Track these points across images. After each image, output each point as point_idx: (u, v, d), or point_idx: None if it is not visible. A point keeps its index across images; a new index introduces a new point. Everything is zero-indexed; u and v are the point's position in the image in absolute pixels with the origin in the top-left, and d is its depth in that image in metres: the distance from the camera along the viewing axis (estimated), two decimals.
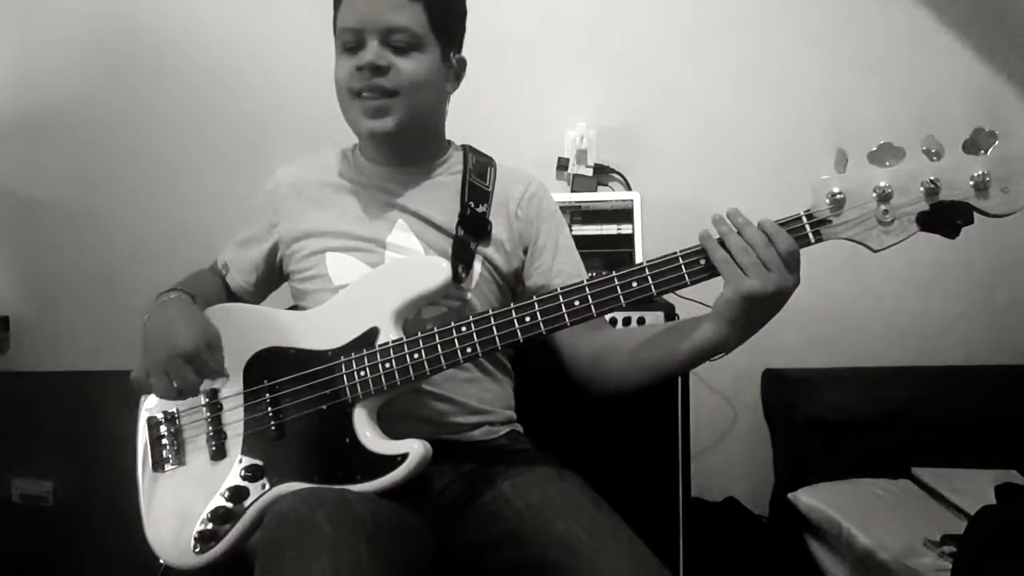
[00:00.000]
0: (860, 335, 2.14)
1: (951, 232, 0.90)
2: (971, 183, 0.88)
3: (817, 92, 2.08)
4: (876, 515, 1.69)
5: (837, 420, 2.00)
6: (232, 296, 1.30)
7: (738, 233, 0.93)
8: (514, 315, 1.01)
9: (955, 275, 2.12)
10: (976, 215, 0.89)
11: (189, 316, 1.08)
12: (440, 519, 1.08)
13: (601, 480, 1.10)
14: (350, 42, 1.12)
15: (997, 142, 0.87)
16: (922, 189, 0.89)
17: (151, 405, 1.16)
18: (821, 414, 2.01)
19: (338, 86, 1.16)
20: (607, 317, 1.19)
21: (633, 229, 1.87)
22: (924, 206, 0.90)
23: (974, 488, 1.66)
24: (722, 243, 0.93)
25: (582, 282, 0.99)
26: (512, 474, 1.10)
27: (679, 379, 1.50)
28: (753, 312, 0.94)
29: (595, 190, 2.05)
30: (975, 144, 0.88)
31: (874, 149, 0.91)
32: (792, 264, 0.92)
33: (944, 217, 0.89)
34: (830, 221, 0.92)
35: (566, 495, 1.05)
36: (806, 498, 1.84)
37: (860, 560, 1.62)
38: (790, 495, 1.90)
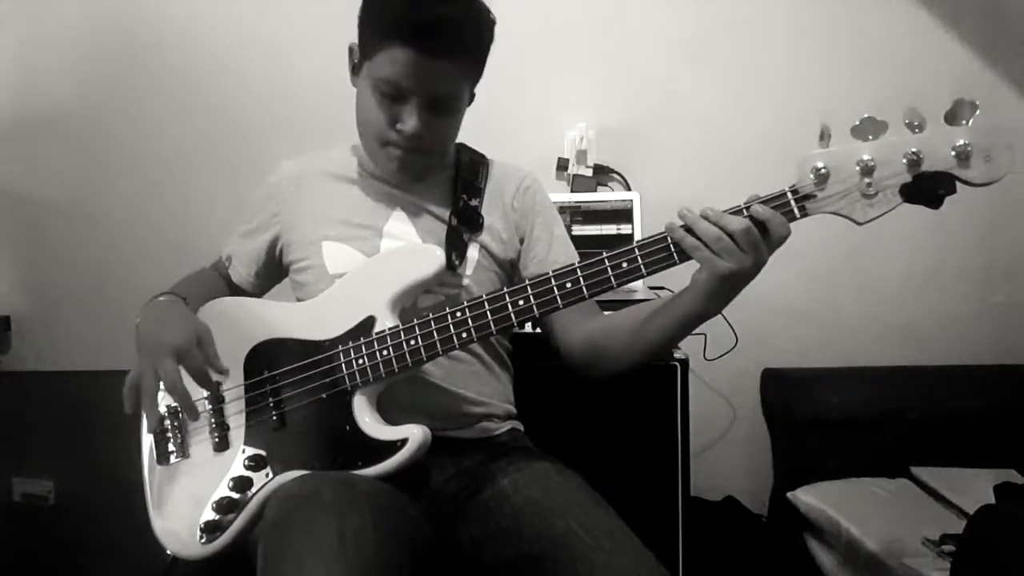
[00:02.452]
0: (859, 335, 2.14)
1: (935, 203, 0.91)
2: (953, 153, 0.88)
3: (816, 92, 2.08)
4: (875, 514, 1.69)
5: (836, 419, 2.00)
6: (235, 290, 1.31)
7: (713, 222, 0.94)
8: (508, 299, 1.02)
9: (954, 275, 2.12)
10: (960, 185, 0.90)
11: (178, 315, 1.10)
12: (439, 514, 1.08)
13: (601, 479, 1.10)
14: (389, 92, 1.10)
15: (978, 112, 0.88)
16: (904, 161, 0.90)
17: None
18: (820, 413, 2.02)
19: (366, 125, 1.15)
20: None
21: (633, 229, 1.87)
22: (907, 177, 0.90)
23: (973, 487, 1.67)
24: (690, 231, 0.95)
25: (573, 264, 1.01)
26: (511, 471, 1.11)
27: (678, 378, 1.50)
28: (732, 286, 0.96)
29: (595, 190, 2.05)
30: (956, 115, 0.89)
31: (857, 123, 0.92)
32: (776, 244, 0.94)
33: (927, 188, 0.90)
34: (815, 196, 0.93)
35: (565, 493, 1.06)
36: (805, 497, 1.84)
37: (859, 559, 1.62)
38: (789, 494, 1.91)
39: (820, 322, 2.13)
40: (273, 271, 1.31)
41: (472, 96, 1.19)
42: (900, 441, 1.96)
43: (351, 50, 1.17)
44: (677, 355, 1.49)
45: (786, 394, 2.07)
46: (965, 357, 2.11)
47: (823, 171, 0.92)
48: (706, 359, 1.80)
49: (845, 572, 1.71)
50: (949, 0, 2.08)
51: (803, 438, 2.02)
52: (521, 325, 1.03)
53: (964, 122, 0.89)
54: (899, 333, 2.13)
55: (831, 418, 2.00)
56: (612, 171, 2.09)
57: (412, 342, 1.04)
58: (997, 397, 2.00)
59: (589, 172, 2.05)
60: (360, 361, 1.05)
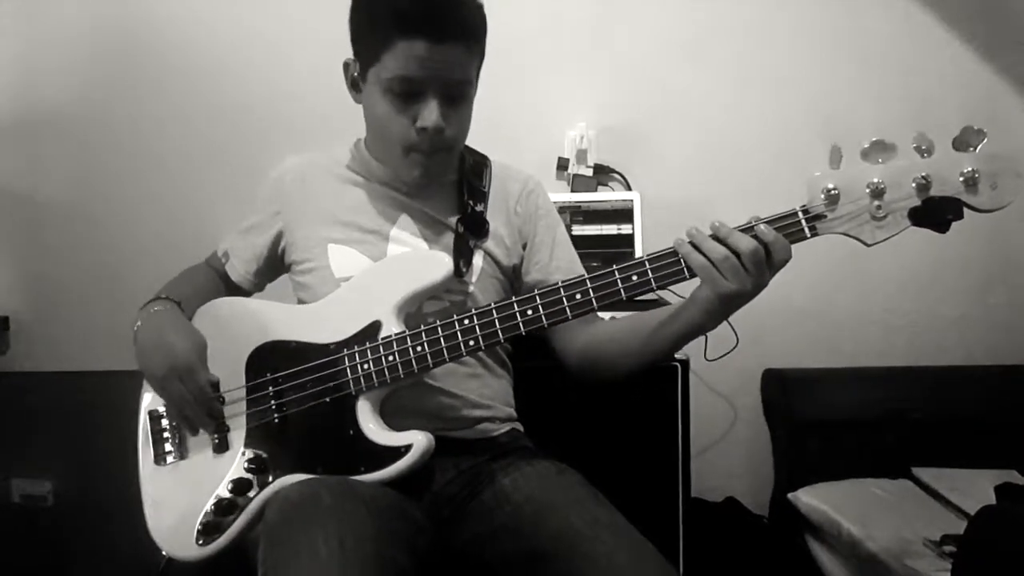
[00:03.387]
0: (860, 335, 2.14)
1: (942, 227, 0.93)
2: (961, 179, 0.90)
3: (817, 92, 2.08)
4: (876, 515, 1.69)
5: (837, 420, 2.00)
6: (230, 286, 1.30)
7: (722, 240, 0.94)
8: (516, 308, 1.02)
9: (954, 275, 2.12)
10: (966, 210, 0.92)
11: (178, 329, 1.10)
12: (441, 515, 1.08)
13: (601, 480, 1.10)
14: (404, 90, 1.08)
15: (986, 139, 0.90)
16: (914, 185, 0.91)
17: (152, 399, 1.16)
18: (821, 414, 2.01)
19: (386, 134, 1.12)
20: None
21: (633, 229, 1.87)
22: (916, 201, 0.92)
23: (974, 488, 1.67)
24: (697, 248, 0.95)
25: (583, 276, 1.01)
26: (512, 471, 1.11)
27: (679, 378, 1.50)
28: (730, 305, 0.97)
29: (595, 190, 2.05)
30: (964, 141, 0.91)
31: (866, 146, 0.93)
32: (778, 267, 0.94)
33: (935, 212, 0.92)
34: (825, 216, 0.94)
35: (565, 490, 1.06)
36: (806, 498, 1.84)
37: (860, 560, 1.62)
38: (790, 495, 1.90)
39: (821, 323, 2.13)
40: (274, 268, 1.30)
41: (476, 88, 1.17)
42: (901, 442, 1.96)
43: (347, 66, 1.16)
44: (678, 355, 1.49)
45: (787, 395, 2.07)
46: (966, 358, 2.12)
47: (834, 192, 0.94)
48: (707, 359, 1.79)
49: (846, 573, 1.71)
50: (949, 0, 2.07)
51: (804, 439, 2.01)
52: (529, 334, 1.03)
53: (972, 148, 0.90)
54: (900, 334, 2.13)
55: (832, 419, 2.00)
56: (612, 171, 2.08)
57: (419, 348, 1.03)
58: (998, 398, 2.00)
59: (589, 172, 2.05)
60: (365, 366, 1.05)
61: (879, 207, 0.92)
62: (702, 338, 1.76)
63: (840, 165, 0.94)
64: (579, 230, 1.86)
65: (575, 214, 1.87)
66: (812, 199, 0.94)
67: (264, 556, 0.87)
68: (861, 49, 2.09)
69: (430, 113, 1.08)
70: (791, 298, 2.08)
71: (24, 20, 2.12)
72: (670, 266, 0.98)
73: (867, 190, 0.93)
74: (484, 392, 1.19)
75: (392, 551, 0.87)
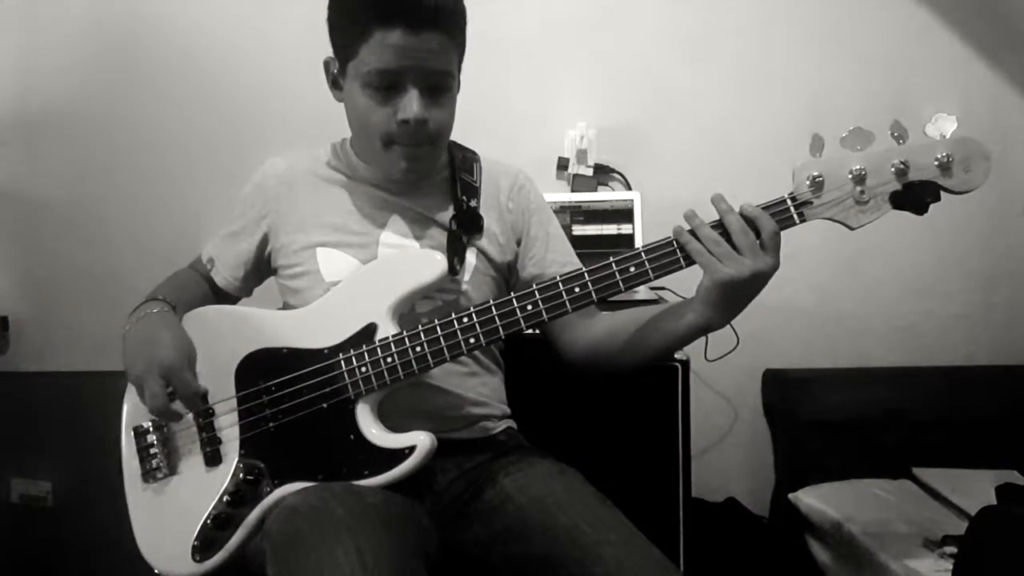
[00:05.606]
0: (860, 335, 2.13)
1: (921, 209, 0.97)
2: (936, 163, 0.95)
3: (817, 92, 2.07)
4: (877, 515, 1.68)
5: (838, 420, 2.00)
6: (217, 292, 1.28)
7: (713, 224, 0.97)
8: (515, 304, 1.03)
9: (955, 276, 2.12)
10: (942, 193, 0.96)
11: (170, 328, 1.08)
12: (444, 516, 1.08)
13: (601, 480, 1.10)
14: (383, 83, 1.06)
15: (956, 126, 0.94)
16: (893, 170, 0.96)
17: (134, 414, 1.14)
18: (822, 414, 2.01)
19: (366, 129, 1.11)
20: None
21: (633, 229, 1.87)
22: (896, 186, 0.97)
23: (975, 488, 1.66)
24: (695, 235, 0.98)
25: (581, 269, 1.02)
26: (513, 471, 1.11)
27: (679, 378, 1.50)
28: (733, 296, 0.98)
29: (595, 190, 2.04)
30: (937, 127, 0.95)
31: (845, 135, 0.97)
32: (770, 247, 0.96)
33: (914, 196, 0.96)
34: (811, 202, 0.98)
35: (568, 490, 1.06)
36: (807, 498, 1.84)
37: (860, 560, 1.62)
38: (791, 495, 1.90)
39: (822, 323, 2.13)
40: (261, 273, 1.28)
41: (459, 82, 1.15)
42: (902, 442, 1.96)
43: (327, 64, 1.15)
44: (678, 355, 1.49)
45: (788, 395, 2.07)
46: (967, 358, 2.11)
47: (819, 179, 0.97)
48: (707, 359, 1.79)
49: (846, 573, 1.70)
50: (949, 1, 2.07)
51: (805, 439, 2.01)
52: (531, 329, 1.04)
53: (944, 134, 0.95)
54: (901, 334, 2.13)
55: (833, 419, 2.00)
56: (612, 171, 2.08)
57: (418, 349, 1.03)
58: (999, 398, 2.00)
59: (589, 172, 2.04)
60: (363, 369, 1.04)
61: (862, 192, 0.97)
62: (702, 338, 1.77)
63: (821, 153, 0.98)
64: (579, 230, 1.86)
65: (575, 214, 1.87)
66: (798, 186, 0.98)
67: (277, 569, 0.86)
68: (861, 49, 2.08)
69: (410, 104, 1.06)
70: (791, 298, 2.07)
71: (24, 20, 2.12)
72: (666, 256, 1.00)
73: (849, 176, 0.97)
74: (481, 390, 1.19)
75: (409, 561, 0.87)
